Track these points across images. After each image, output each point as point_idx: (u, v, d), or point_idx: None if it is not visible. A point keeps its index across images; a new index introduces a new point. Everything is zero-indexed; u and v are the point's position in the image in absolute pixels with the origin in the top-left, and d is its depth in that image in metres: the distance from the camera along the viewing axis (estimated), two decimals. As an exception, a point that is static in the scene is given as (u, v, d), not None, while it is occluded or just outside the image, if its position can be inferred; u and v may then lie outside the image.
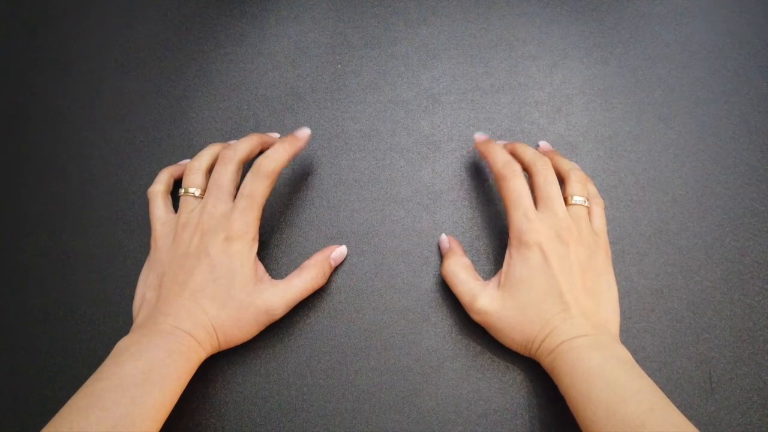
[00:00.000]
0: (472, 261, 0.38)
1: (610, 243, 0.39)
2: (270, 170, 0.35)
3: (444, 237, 0.39)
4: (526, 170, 0.37)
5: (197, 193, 0.36)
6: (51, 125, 0.43)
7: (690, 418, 0.35)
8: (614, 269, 0.38)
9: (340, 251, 0.38)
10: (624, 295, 0.38)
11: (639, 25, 0.45)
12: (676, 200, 0.40)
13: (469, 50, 0.45)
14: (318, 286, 0.36)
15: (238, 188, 0.36)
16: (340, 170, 0.42)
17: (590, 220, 0.36)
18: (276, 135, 0.41)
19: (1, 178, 0.42)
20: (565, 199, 0.35)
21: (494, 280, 0.35)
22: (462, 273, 0.36)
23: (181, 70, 0.45)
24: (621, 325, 0.37)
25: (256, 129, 0.43)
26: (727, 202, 0.40)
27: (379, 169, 0.42)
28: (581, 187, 0.36)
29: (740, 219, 0.40)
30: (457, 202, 0.40)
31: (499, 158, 0.36)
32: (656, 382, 0.36)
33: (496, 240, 0.39)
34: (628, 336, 0.37)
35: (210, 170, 0.37)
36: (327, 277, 0.37)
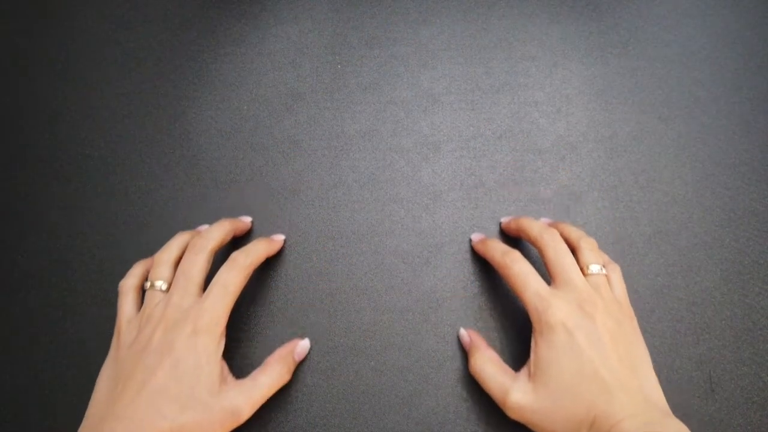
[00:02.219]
0: (471, 259, 0.38)
1: (610, 244, 0.39)
2: (247, 264, 0.34)
3: (463, 332, 0.37)
4: (534, 245, 0.35)
5: (163, 287, 0.33)
6: (51, 125, 0.43)
7: (690, 418, 0.35)
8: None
9: (302, 346, 0.36)
10: (624, 296, 0.38)
11: (639, 26, 0.45)
12: (676, 200, 0.40)
13: (469, 50, 0.45)
14: (284, 382, 0.34)
15: (206, 280, 0.34)
16: (340, 170, 0.42)
17: (610, 289, 0.34)
18: (248, 219, 0.39)
19: (1, 178, 0.42)
20: (581, 270, 0.33)
21: (524, 371, 0.32)
22: (489, 367, 0.33)
23: (181, 70, 0.45)
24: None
25: (256, 129, 0.43)
26: (727, 202, 0.40)
27: (378, 169, 0.42)
28: (596, 255, 0.34)
29: (740, 219, 0.40)
30: (457, 202, 0.40)
31: (497, 250, 0.35)
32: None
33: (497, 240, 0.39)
34: (628, 336, 0.37)
35: (178, 262, 0.34)
36: (291, 372, 0.35)
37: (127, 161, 0.42)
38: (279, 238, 0.39)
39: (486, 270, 0.39)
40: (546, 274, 0.35)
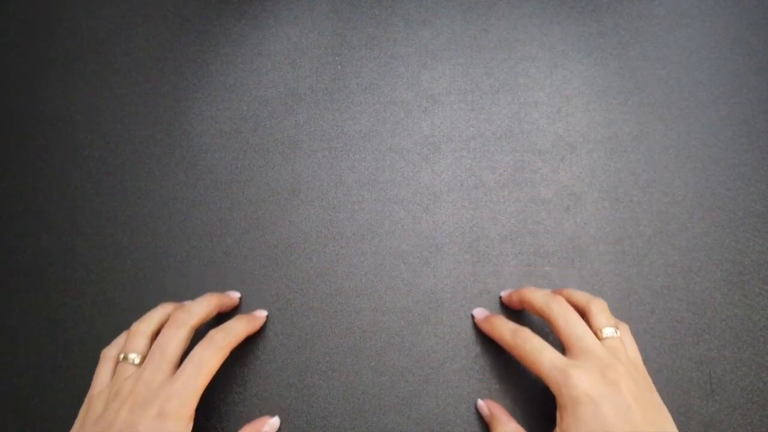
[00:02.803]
0: (472, 260, 0.38)
1: (610, 245, 0.39)
2: (224, 344, 0.32)
3: (482, 403, 0.35)
4: (542, 316, 0.34)
5: (136, 360, 0.31)
6: (51, 125, 0.43)
7: (690, 419, 0.35)
8: (614, 270, 0.38)
9: (271, 425, 0.35)
10: (624, 296, 0.38)
11: (638, 26, 0.45)
12: (676, 201, 0.40)
13: (468, 51, 0.45)
14: None
15: (183, 356, 0.32)
16: (340, 171, 0.41)
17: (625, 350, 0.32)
18: (236, 294, 0.38)
19: (1, 178, 0.42)
20: (595, 335, 0.32)
21: None
22: None
23: (181, 71, 0.45)
24: (621, 326, 0.37)
25: (256, 130, 0.43)
26: (727, 202, 0.40)
27: (378, 170, 0.42)
28: (607, 318, 0.33)
29: (740, 219, 0.40)
30: (457, 203, 0.40)
31: (505, 329, 0.34)
32: (656, 383, 0.36)
33: (497, 240, 0.39)
34: (628, 336, 0.37)
35: (158, 334, 0.33)
36: None
37: (127, 161, 0.42)
38: (261, 315, 0.37)
39: (487, 270, 0.39)
40: (557, 343, 0.33)
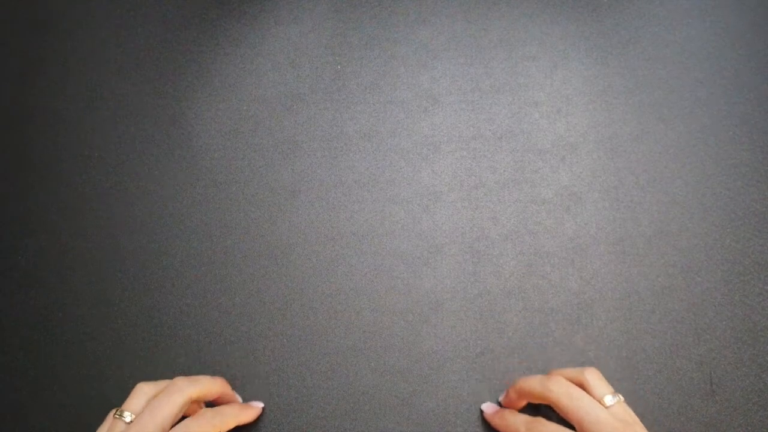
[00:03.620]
0: (472, 260, 0.38)
1: (611, 245, 0.39)
2: (215, 422, 0.31)
3: None
4: (545, 401, 0.33)
5: (128, 419, 0.30)
6: (51, 125, 0.43)
7: (690, 419, 0.35)
8: (614, 270, 0.39)
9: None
10: (624, 297, 0.38)
11: (639, 26, 0.45)
12: (677, 201, 0.40)
13: (469, 51, 0.45)
14: None
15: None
16: (340, 171, 0.41)
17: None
18: (239, 398, 0.37)
19: (1, 179, 0.42)
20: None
21: None
22: None
23: (180, 71, 0.45)
24: (622, 327, 0.37)
25: (255, 130, 0.43)
26: (727, 202, 0.40)
27: (378, 170, 0.41)
28: (606, 385, 0.33)
29: (740, 219, 0.40)
30: (457, 203, 0.40)
31: (520, 424, 0.33)
32: (656, 384, 0.36)
33: (497, 240, 0.39)
34: (629, 338, 0.37)
35: None
36: None
37: (127, 161, 0.42)
38: (256, 406, 0.36)
39: (487, 270, 0.39)
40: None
